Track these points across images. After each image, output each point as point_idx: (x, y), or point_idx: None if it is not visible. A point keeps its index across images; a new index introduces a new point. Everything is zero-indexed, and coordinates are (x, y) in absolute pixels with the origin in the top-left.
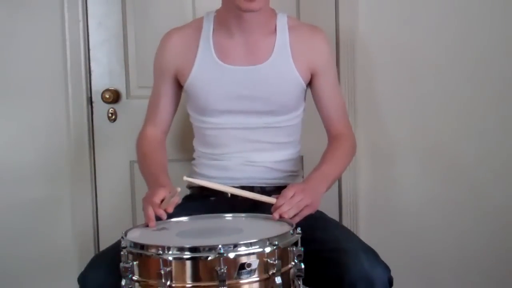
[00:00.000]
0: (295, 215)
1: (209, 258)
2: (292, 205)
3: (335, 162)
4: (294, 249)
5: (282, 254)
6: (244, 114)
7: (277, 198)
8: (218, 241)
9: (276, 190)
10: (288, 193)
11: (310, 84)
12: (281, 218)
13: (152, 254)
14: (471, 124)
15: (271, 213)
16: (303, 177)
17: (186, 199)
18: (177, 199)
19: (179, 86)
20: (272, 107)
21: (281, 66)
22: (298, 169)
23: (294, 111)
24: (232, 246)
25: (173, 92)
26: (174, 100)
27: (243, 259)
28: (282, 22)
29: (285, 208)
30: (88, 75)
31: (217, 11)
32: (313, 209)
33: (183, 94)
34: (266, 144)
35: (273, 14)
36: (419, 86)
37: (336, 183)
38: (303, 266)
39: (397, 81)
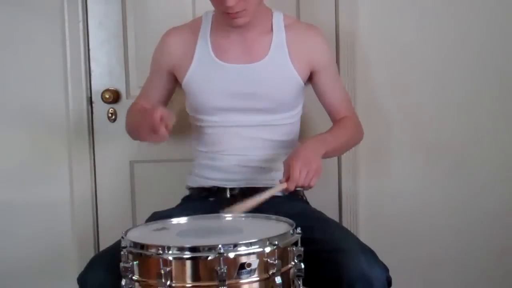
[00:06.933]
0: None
1: (209, 258)
2: (303, 182)
3: (335, 132)
4: (294, 249)
5: (282, 254)
6: (242, 112)
7: (285, 181)
8: (218, 241)
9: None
10: (295, 173)
11: (311, 81)
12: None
13: (152, 254)
14: (471, 124)
15: (271, 212)
16: None
17: (185, 199)
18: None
19: (173, 81)
20: (269, 105)
21: (278, 63)
22: None
23: (292, 109)
24: (232, 246)
25: (166, 86)
26: (166, 93)
27: (243, 259)
28: (278, 20)
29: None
30: (88, 75)
31: (215, 11)
32: (319, 175)
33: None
34: (264, 142)
35: (269, 12)
36: (419, 86)
37: (336, 183)
38: (303, 266)
39: (397, 81)
